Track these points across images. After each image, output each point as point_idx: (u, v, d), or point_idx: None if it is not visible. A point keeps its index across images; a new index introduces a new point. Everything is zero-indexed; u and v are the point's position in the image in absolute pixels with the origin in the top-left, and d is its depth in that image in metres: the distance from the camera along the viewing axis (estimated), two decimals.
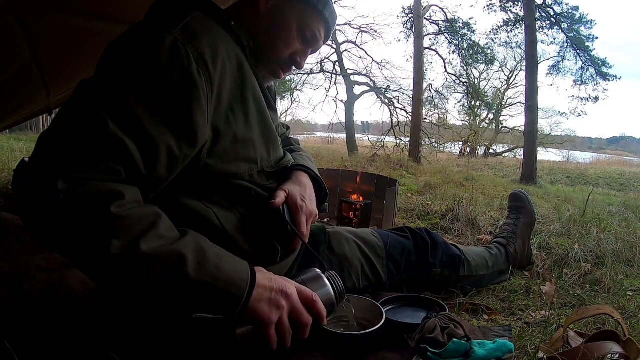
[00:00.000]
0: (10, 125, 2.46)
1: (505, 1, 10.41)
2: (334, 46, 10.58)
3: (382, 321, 0.85)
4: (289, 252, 0.88)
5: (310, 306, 0.69)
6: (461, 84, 12.15)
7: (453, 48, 11.39)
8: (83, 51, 1.53)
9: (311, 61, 10.49)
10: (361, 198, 2.09)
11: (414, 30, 9.08)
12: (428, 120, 11.65)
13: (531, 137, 6.98)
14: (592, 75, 10.71)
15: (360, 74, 11.17)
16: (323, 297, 0.73)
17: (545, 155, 14.78)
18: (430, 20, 10.90)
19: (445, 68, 11.62)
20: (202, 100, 0.66)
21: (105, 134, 0.58)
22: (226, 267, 0.63)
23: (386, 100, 10.50)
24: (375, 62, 11.01)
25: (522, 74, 11.26)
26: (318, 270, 0.77)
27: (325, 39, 0.92)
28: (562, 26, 10.11)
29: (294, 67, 0.91)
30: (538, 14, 8.90)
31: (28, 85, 1.71)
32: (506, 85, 15.81)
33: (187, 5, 0.73)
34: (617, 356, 0.76)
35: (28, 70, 1.56)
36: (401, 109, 10.33)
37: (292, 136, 1.16)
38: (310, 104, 24.91)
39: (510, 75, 15.59)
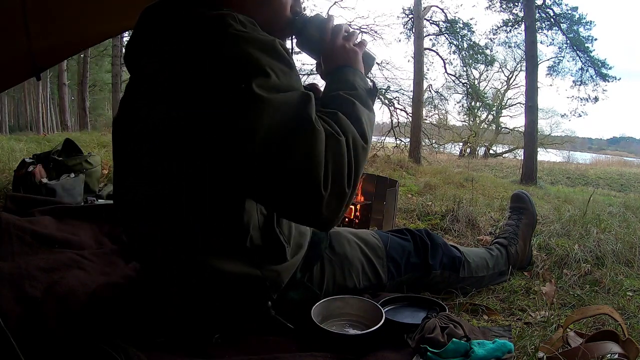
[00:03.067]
0: None
1: (505, 1, 10.42)
2: None
3: (382, 321, 0.85)
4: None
5: None
6: (461, 84, 12.16)
7: (453, 48, 11.41)
8: None
9: (311, 62, 10.48)
10: (361, 199, 2.09)
11: (414, 31, 9.08)
12: (428, 121, 11.67)
13: (531, 138, 6.99)
14: (591, 76, 10.72)
15: None
16: None
17: (545, 155, 14.80)
18: (431, 21, 10.91)
19: (445, 68, 11.64)
20: None
21: None
22: None
23: (386, 101, 10.50)
24: (376, 62, 11.00)
25: (522, 75, 11.29)
26: None
27: None
28: (562, 27, 10.11)
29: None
30: (538, 14, 8.90)
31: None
32: (506, 86, 15.84)
33: None
34: (616, 356, 0.76)
35: None
36: (401, 110, 10.34)
37: None
38: None
39: (510, 76, 15.63)
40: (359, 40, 0.90)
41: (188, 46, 0.70)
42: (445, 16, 10.91)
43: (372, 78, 0.87)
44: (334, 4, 11.00)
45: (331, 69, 0.87)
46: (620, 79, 10.45)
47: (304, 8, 0.98)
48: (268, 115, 0.64)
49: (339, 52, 0.87)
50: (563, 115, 14.23)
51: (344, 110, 0.75)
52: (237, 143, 0.65)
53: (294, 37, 0.91)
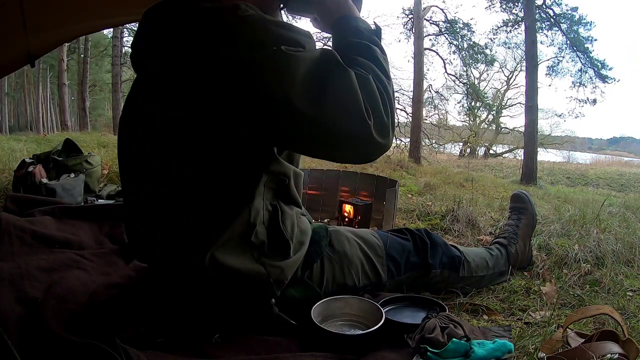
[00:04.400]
0: None
1: (505, 1, 10.42)
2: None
3: (382, 321, 0.85)
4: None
5: None
6: (461, 84, 12.17)
7: (453, 48, 11.42)
8: None
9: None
10: (362, 198, 2.09)
11: (414, 31, 9.08)
12: (428, 121, 11.68)
13: (531, 138, 6.99)
14: (590, 78, 10.72)
15: None
16: None
17: (545, 155, 14.81)
18: (431, 21, 10.92)
19: (445, 68, 11.65)
20: None
21: None
22: None
23: None
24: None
25: (522, 75, 11.29)
26: None
27: None
28: (562, 27, 10.11)
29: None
30: (537, 14, 8.90)
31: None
32: (506, 86, 15.84)
33: None
34: (616, 356, 0.76)
35: None
36: (401, 110, 10.35)
37: None
38: None
39: (510, 76, 15.63)
40: None
41: (202, 39, 0.71)
42: (445, 16, 10.93)
43: (374, 21, 0.91)
44: None
45: (332, 22, 0.89)
46: (619, 80, 10.45)
47: None
48: (303, 66, 0.69)
49: (331, 3, 0.89)
50: (560, 115, 14.27)
51: (360, 54, 0.80)
52: (277, 99, 0.67)
53: (282, 7, 0.92)
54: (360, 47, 0.82)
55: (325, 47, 0.76)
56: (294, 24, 0.75)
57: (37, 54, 1.98)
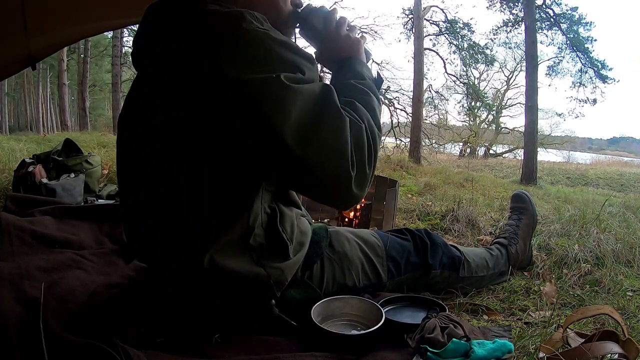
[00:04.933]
0: None
1: (505, 1, 10.42)
2: None
3: (382, 321, 0.85)
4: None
5: None
6: (461, 84, 12.17)
7: (453, 48, 11.42)
8: None
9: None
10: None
11: (414, 31, 9.09)
12: (428, 121, 11.68)
13: (531, 138, 6.98)
14: (590, 78, 10.72)
15: None
16: None
17: (545, 155, 14.80)
18: (431, 21, 10.92)
19: (445, 68, 11.65)
20: None
21: None
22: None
23: (386, 101, 10.51)
24: (376, 62, 11.02)
25: (522, 75, 11.29)
26: None
27: None
28: (562, 27, 10.12)
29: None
30: (537, 14, 8.91)
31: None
32: (506, 86, 15.84)
33: None
34: (616, 356, 0.76)
35: None
36: (401, 110, 10.35)
37: None
38: None
39: (510, 76, 15.63)
40: (359, 34, 0.94)
41: (203, 42, 0.70)
42: (445, 16, 10.94)
43: (377, 70, 0.93)
44: (334, 4, 11.00)
45: (338, 59, 0.90)
46: (619, 80, 10.48)
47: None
48: (300, 101, 0.68)
49: (344, 42, 0.91)
50: (560, 115, 14.26)
51: (358, 99, 0.80)
52: (269, 130, 0.66)
53: (297, 26, 0.93)
54: (360, 92, 0.82)
55: (325, 83, 0.75)
56: (299, 46, 0.74)
57: (38, 57, 1.98)
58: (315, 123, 0.68)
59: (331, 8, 0.94)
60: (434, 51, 11.47)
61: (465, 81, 12.16)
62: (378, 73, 0.92)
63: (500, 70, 15.33)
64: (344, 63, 0.89)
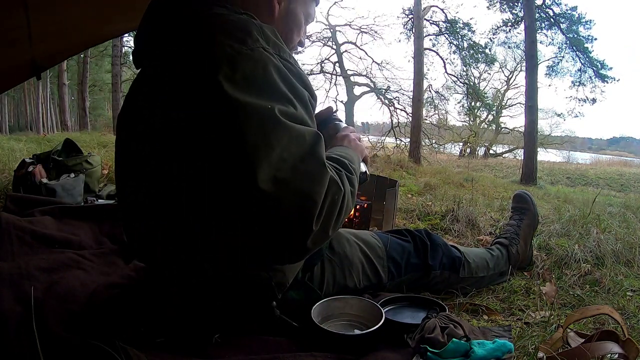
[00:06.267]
0: None
1: (505, 1, 10.42)
2: (334, 47, 10.61)
3: (382, 321, 0.85)
4: None
5: None
6: (461, 84, 12.17)
7: (453, 48, 11.42)
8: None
9: (311, 62, 10.53)
10: (361, 198, 2.09)
11: (414, 31, 9.09)
12: (428, 121, 11.67)
13: (531, 138, 6.99)
14: (590, 77, 10.73)
15: (360, 74, 11.23)
16: None
17: (545, 155, 14.79)
18: (431, 21, 10.93)
19: (445, 68, 11.66)
20: None
21: None
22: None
23: (386, 101, 10.52)
24: (376, 62, 11.06)
25: (522, 75, 11.28)
26: None
27: None
28: (561, 26, 10.12)
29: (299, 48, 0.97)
30: (537, 14, 8.91)
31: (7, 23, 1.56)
32: (506, 86, 15.84)
33: None
34: (616, 356, 0.76)
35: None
36: (401, 110, 10.36)
37: None
38: None
39: (510, 76, 15.63)
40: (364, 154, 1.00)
41: (205, 52, 0.69)
42: (445, 16, 10.95)
43: (366, 171, 1.00)
44: (334, 4, 11.01)
45: (341, 144, 0.95)
46: (619, 80, 10.47)
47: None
48: (289, 138, 0.66)
49: (351, 140, 0.97)
50: (560, 115, 14.25)
51: (344, 167, 0.81)
52: (246, 160, 0.64)
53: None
54: (349, 170, 0.81)
55: (317, 131, 0.73)
56: (301, 75, 0.74)
57: (43, 66, 1.98)
58: (295, 168, 0.66)
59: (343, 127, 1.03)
60: (434, 51, 11.48)
61: (465, 81, 12.16)
62: (365, 172, 0.97)
63: (500, 70, 15.34)
64: (344, 147, 0.93)
